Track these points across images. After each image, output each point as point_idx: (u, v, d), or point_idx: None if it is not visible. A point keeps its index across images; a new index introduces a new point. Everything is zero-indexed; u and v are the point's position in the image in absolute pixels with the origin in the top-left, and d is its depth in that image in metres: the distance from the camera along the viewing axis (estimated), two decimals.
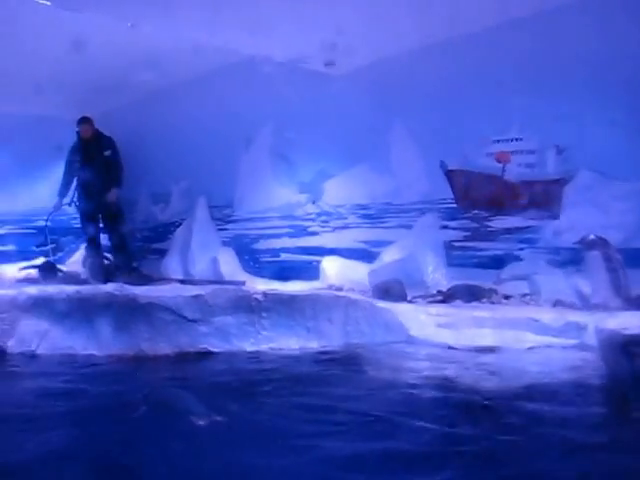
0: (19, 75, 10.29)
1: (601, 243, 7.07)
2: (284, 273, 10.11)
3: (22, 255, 11.60)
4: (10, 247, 12.45)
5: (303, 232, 10.52)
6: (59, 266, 10.57)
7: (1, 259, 11.50)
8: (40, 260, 10.69)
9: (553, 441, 3.53)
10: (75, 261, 11.74)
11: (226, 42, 8.92)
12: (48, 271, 10.00)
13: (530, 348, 6.01)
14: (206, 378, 5.35)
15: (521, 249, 8.15)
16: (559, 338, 6.09)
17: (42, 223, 10.47)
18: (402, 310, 6.85)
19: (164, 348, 6.11)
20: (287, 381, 5.06)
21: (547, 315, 6.43)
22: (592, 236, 7.14)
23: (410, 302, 7.63)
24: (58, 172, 10.09)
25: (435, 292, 8.09)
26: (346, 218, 10.15)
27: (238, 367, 5.65)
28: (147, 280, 9.01)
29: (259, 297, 6.42)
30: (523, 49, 7.92)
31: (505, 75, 8.08)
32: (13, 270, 11.04)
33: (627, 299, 6.74)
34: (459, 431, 3.73)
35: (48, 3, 7.67)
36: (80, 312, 6.24)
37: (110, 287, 6.57)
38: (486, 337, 6.21)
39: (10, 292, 6.62)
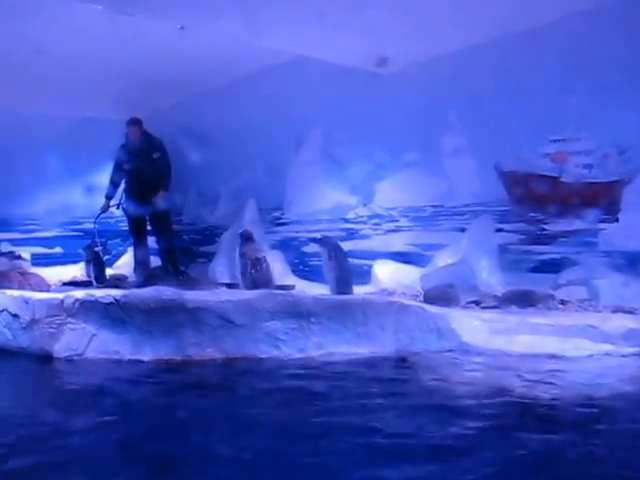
0: (69, 77, 10.38)
1: (329, 242, 8.40)
2: None
3: (70, 258, 11.67)
4: (58, 250, 12.59)
5: (354, 235, 10.40)
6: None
7: (50, 262, 11.58)
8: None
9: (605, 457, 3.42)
10: (123, 264, 11.79)
11: (275, 42, 8.87)
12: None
13: (588, 356, 5.86)
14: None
15: (579, 253, 7.90)
16: (619, 346, 5.91)
17: (90, 226, 10.47)
18: (455, 316, 6.70)
19: (211, 354, 6.04)
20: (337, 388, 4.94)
21: (606, 322, 6.24)
22: (319, 235, 8.74)
23: (463, 308, 7.48)
24: (106, 174, 10.09)
25: (489, 297, 7.90)
26: (398, 221, 10.02)
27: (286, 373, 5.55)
28: (195, 284, 8.95)
29: (308, 302, 6.32)
30: (580, 46, 7.72)
31: (561, 73, 7.92)
32: (61, 273, 11.12)
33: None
34: (514, 441, 3.63)
35: (99, 7, 7.70)
36: (127, 316, 6.20)
37: (157, 291, 6.51)
38: (542, 344, 6.05)
39: (57, 296, 6.62)
